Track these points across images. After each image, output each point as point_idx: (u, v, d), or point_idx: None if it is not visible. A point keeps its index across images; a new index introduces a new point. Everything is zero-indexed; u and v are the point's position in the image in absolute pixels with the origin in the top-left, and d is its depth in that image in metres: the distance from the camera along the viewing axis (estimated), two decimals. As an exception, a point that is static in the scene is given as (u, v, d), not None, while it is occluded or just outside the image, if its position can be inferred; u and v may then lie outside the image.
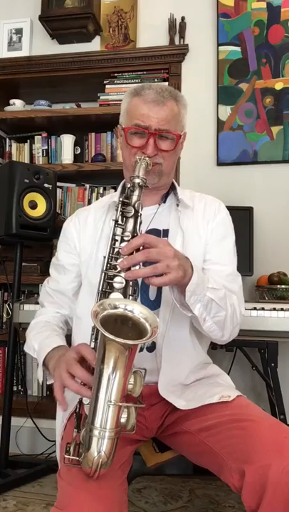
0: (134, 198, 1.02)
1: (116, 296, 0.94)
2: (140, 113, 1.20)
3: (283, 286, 2.02)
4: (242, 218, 2.17)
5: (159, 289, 1.20)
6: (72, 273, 1.33)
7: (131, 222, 1.00)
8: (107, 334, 0.80)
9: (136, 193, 1.02)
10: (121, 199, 1.03)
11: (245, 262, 2.13)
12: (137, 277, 0.94)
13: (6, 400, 2.05)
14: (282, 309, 1.65)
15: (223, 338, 1.18)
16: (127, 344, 0.82)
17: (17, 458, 2.24)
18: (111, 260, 0.99)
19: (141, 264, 0.96)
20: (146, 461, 1.24)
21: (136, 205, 1.01)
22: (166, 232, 1.27)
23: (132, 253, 0.95)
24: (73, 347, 1.06)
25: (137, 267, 0.95)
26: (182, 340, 1.21)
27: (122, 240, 0.99)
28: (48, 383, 1.16)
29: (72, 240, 1.34)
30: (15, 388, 2.41)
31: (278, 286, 2.03)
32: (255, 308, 1.66)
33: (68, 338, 1.30)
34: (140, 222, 1.01)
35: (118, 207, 1.02)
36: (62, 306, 1.34)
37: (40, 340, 1.21)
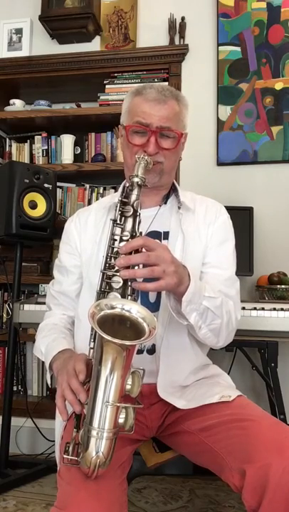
0: (133, 197, 1.01)
1: (114, 296, 0.93)
2: (141, 111, 1.20)
3: (283, 286, 2.02)
4: (242, 218, 2.17)
5: (159, 292, 1.20)
6: (74, 274, 1.33)
7: (130, 221, 0.99)
8: (104, 335, 0.80)
9: (135, 192, 1.02)
10: (120, 198, 1.02)
11: (245, 262, 2.13)
12: (133, 277, 0.93)
13: (6, 399, 2.05)
14: (282, 309, 1.65)
15: (218, 344, 1.19)
16: (124, 345, 0.82)
17: (17, 458, 2.24)
18: (110, 260, 0.99)
19: (140, 265, 0.95)
20: (146, 461, 1.24)
21: (134, 205, 1.00)
22: (166, 235, 1.26)
23: (130, 253, 0.94)
24: (74, 358, 1.05)
25: (136, 267, 0.94)
26: (181, 343, 1.21)
27: (121, 240, 0.98)
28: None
29: (73, 240, 1.34)
30: (15, 388, 2.41)
31: (278, 286, 2.03)
32: (255, 308, 1.66)
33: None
34: (139, 222, 1.01)
35: (117, 206, 1.02)
36: (68, 307, 1.34)
37: (47, 344, 1.22)
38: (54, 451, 2.16)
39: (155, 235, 1.25)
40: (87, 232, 1.32)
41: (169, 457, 1.24)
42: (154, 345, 1.19)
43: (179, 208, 1.29)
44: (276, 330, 1.64)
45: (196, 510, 1.77)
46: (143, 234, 1.05)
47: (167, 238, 1.25)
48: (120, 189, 1.35)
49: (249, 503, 0.91)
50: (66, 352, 1.14)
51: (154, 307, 1.19)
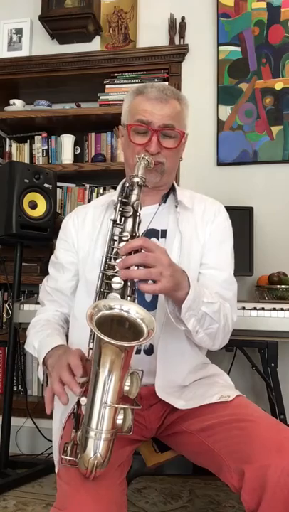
0: (134, 197, 1.01)
1: (113, 296, 0.93)
2: (143, 109, 1.20)
3: (283, 286, 2.01)
4: (242, 218, 2.16)
5: None
6: (70, 271, 1.32)
7: (130, 222, 0.99)
8: (102, 336, 0.80)
9: (135, 192, 1.01)
10: (120, 198, 1.02)
11: (245, 262, 2.13)
12: (130, 277, 0.93)
13: (6, 399, 2.05)
14: (282, 309, 1.65)
15: (214, 347, 1.19)
16: (123, 346, 0.82)
17: (17, 458, 2.24)
18: (109, 260, 0.98)
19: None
20: (146, 461, 1.24)
21: (135, 205, 1.00)
22: (164, 233, 1.26)
23: (130, 253, 0.94)
24: (67, 352, 1.05)
25: (135, 268, 0.94)
26: (179, 342, 1.20)
27: (121, 240, 0.98)
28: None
29: (70, 237, 1.33)
30: (15, 388, 2.41)
31: (278, 286, 2.02)
32: (255, 308, 1.66)
33: (67, 336, 1.30)
34: (139, 222, 1.00)
35: (117, 206, 1.02)
36: (62, 304, 1.34)
37: (40, 339, 1.20)
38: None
39: (153, 233, 1.25)
40: (84, 230, 1.32)
41: (169, 457, 1.24)
42: (151, 345, 1.19)
43: (176, 206, 1.29)
44: (276, 330, 1.64)
45: (196, 510, 1.77)
46: (142, 231, 1.04)
47: (164, 236, 1.25)
48: (119, 188, 1.34)
49: (248, 504, 0.91)
50: (60, 348, 1.13)
51: (150, 306, 1.19)
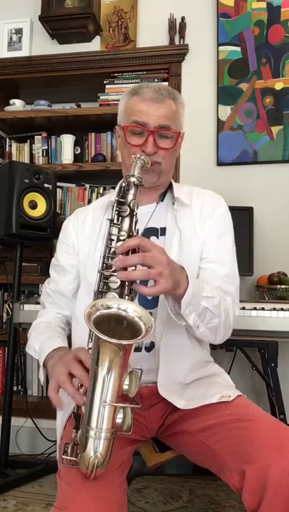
0: (130, 197, 1.01)
1: (112, 296, 0.93)
2: (138, 110, 1.20)
3: (283, 286, 2.01)
4: (242, 218, 2.16)
5: None
6: (71, 274, 1.33)
7: (126, 221, 0.99)
8: (100, 335, 0.80)
9: (131, 192, 1.01)
10: (117, 198, 1.02)
11: (245, 262, 2.12)
12: (130, 279, 0.93)
13: (6, 399, 2.05)
14: (282, 309, 1.65)
15: (216, 342, 1.19)
16: (121, 344, 0.82)
17: (17, 458, 2.24)
18: (107, 260, 0.98)
19: (138, 266, 0.95)
20: (146, 461, 1.24)
21: (131, 204, 1.00)
22: (163, 231, 1.26)
23: (127, 253, 0.94)
24: (72, 350, 1.06)
25: (133, 268, 0.94)
26: (180, 338, 1.20)
27: (118, 240, 0.98)
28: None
29: (70, 239, 1.34)
30: (15, 388, 2.41)
31: (278, 286, 2.02)
32: (255, 308, 1.66)
33: (69, 339, 1.30)
34: (136, 222, 1.00)
35: (114, 206, 1.02)
36: (63, 307, 1.34)
37: (41, 341, 1.21)
38: (54, 451, 2.17)
39: (152, 231, 1.25)
40: (84, 232, 1.32)
41: (169, 457, 1.24)
42: (152, 343, 1.19)
43: (174, 203, 1.28)
44: (276, 330, 1.64)
45: (196, 510, 1.77)
46: (140, 231, 1.04)
47: (164, 234, 1.25)
48: (117, 188, 1.34)
49: (249, 504, 0.91)
50: (61, 350, 1.14)
51: (151, 304, 1.19)
